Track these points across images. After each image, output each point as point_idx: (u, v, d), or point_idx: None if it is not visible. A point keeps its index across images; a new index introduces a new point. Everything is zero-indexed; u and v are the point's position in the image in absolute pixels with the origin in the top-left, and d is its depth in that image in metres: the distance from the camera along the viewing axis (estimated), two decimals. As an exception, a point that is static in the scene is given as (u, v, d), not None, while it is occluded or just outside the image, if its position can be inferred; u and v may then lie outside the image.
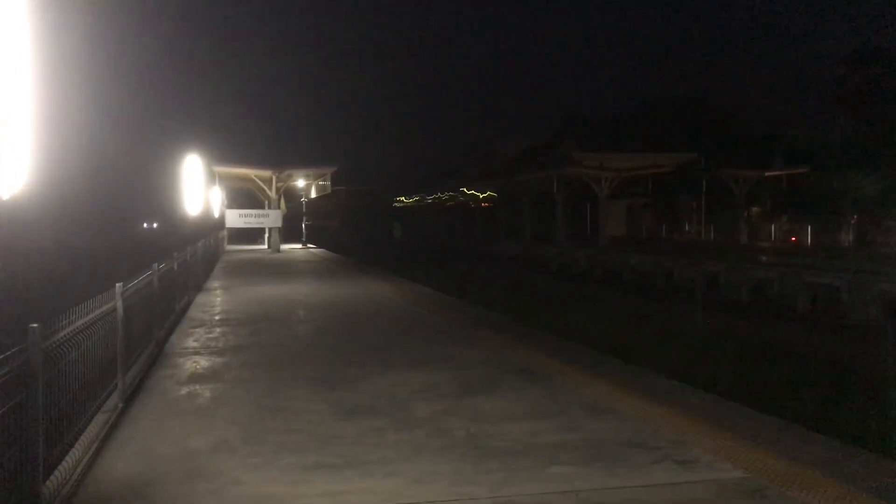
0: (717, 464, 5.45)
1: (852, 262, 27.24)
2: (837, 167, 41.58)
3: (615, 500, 4.83)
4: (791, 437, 6.14)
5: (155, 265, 10.37)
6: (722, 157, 47.60)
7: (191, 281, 17.07)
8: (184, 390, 7.95)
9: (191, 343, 11.00)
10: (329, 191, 48.94)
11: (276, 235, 40.28)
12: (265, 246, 43.02)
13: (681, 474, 5.26)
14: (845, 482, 5.05)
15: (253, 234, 47.92)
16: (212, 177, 38.29)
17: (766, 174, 47.21)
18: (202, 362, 9.52)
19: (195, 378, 8.57)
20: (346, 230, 76.90)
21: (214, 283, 21.04)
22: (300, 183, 44.31)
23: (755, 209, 50.23)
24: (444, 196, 73.16)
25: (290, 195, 47.89)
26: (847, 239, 41.11)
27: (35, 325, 4.52)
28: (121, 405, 7.02)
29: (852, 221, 40.96)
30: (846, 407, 9.61)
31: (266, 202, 41.77)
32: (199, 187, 28.33)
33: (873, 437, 7.79)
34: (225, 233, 42.61)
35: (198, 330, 12.29)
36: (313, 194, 49.06)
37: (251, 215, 40.88)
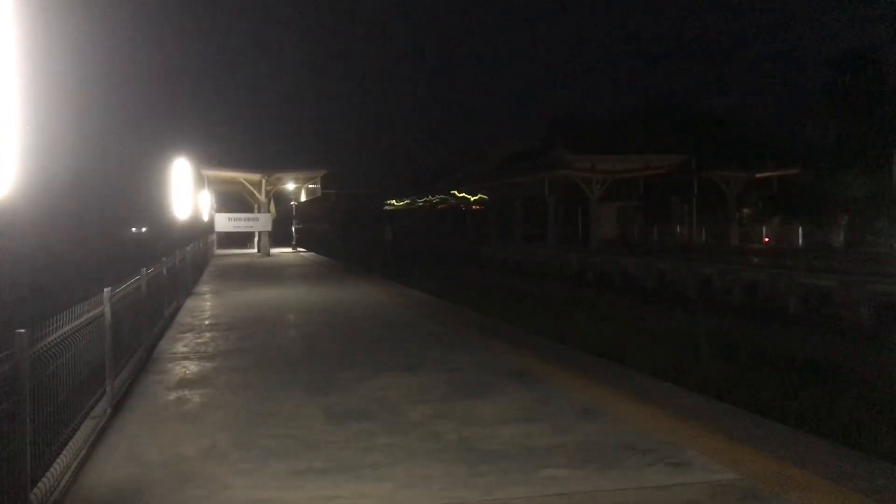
0: (710, 465, 5.43)
1: (843, 262, 27.37)
2: (827, 169, 41.79)
3: (608, 503, 4.80)
4: (784, 439, 6.13)
5: (143, 270, 10.30)
6: (713, 159, 47.80)
7: (180, 285, 16.99)
8: (173, 395, 7.89)
9: (180, 348, 10.93)
10: (319, 194, 48.74)
11: (265, 239, 40.17)
12: (255, 250, 42.91)
13: (674, 476, 5.24)
14: (839, 483, 5.04)
15: (242, 238, 47.79)
16: (201, 180, 38.17)
17: (757, 176, 47.44)
18: (192, 367, 9.45)
19: (185, 383, 8.51)
20: (336, 233, 76.84)
21: (204, 288, 20.95)
22: (290, 186, 44.23)
23: (746, 211, 50.45)
24: (435, 199, 73.15)
25: (279, 198, 47.78)
26: (838, 240, 41.33)
27: (22, 330, 4.47)
28: (109, 411, 6.96)
29: (843, 222, 41.17)
30: (839, 408, 9.63)
31: (255, 206, 41.65)
32: (187, 191, 28.24)
33: (866, 437, 7.80)
34: (214, 237, 42.46)
35: (187, 335, 12.22)
36: (303, 198, 48.93)
37: (241, 219, 40.75)
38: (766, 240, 47.25)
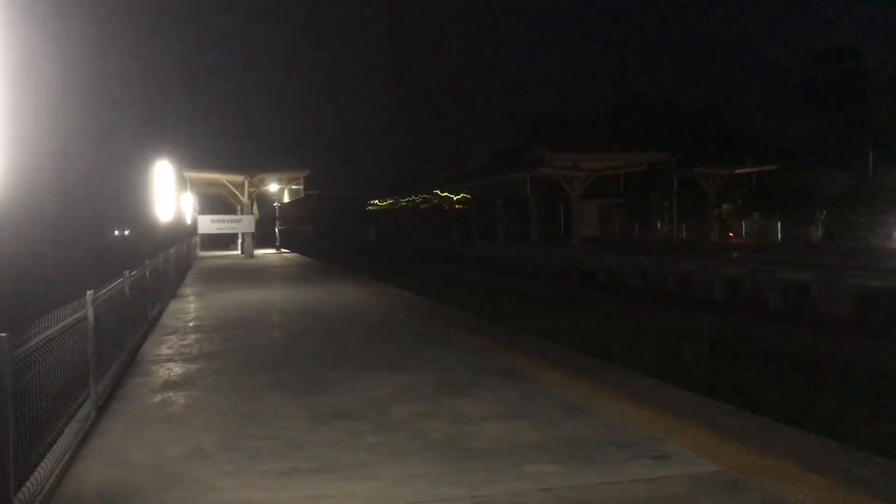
0: (693, 459, 5.49)
1: (822, 257, 27.63)
2: (806, 165, 42.19)
3: (592, 497, 4.84)
4: (768, 432, 6.20)
5: (126, 272, 10.26)
6: (693, 155, 48.11)
7: (163, 288, 16.91)
8: (158, 398, 7.87)
9: (164, 350, 10.89)
10: (302, 195, 48.65)
11: (249, 240, 40.04)
12: (238, 251, 42.76)
13: (657, 469, 5.29)
14: (822, 474, 5.10)
15: (226, 240, 47.61)
16: (183, 182, 38.01)
17: (737, 172, 47.81)
18: (176, 369, 9.42)
19: (169, 385, 8.48)
20: (320, 234, 76.77)
21: (188, 290, 20.86)
22: (273, 187, 44.10)
23: (726, 207, 50.82)
24: (418, 199, 73.15)
25: (262, 200, 47.67)
26: (816, 235, 41.74)
27: (4, 334, 4.45)
28: (93, 414, 6.93)
29: (821, 218, 41.58)
30: (822, 401, 9.74)
31: (238, 207, 41.51)
32: (170, 193, 28.11)
33: (849, 429, 7.89)
34: (197, 239, 42.30)
35: (171, 337, 12.17)
36: (286, 199, 48.78)
37: (224, 220, 40.56)
38: (731, 234, 47.87)
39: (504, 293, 25.05)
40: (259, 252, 42.19)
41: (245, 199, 40.00)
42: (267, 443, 6.11)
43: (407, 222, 79.24)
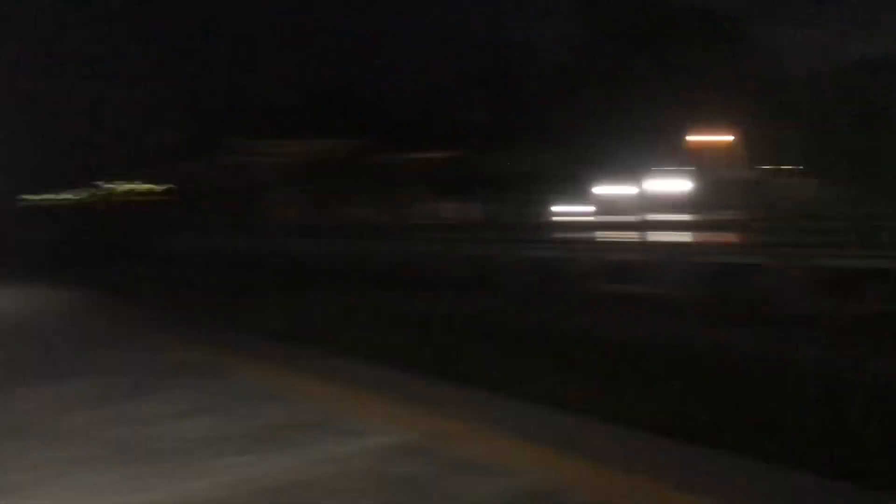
0: (389, 431, 5.69)
1: (503, 233, 30.15)
2: (484, 149, 45.65)
3: (287, 481, 4.81)
4: (461, 399, 6.62)
5: None
6: (383, 141, 49.85)
7: None
8: None
9: None
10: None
11: None
12: None
13: (351, 445, 5.42)
14: (510, 433, 5.54)
15: None
16: None
17: (427, 157, 50.38)
18: None
19: None
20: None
21: None
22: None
23: (419, 190, 53.31)
24: (89, 192, 67.77)
25: None
26: (504, 213, 45.32)
27: None
28: None
29: (505, 197, 45.23)
30: (507, 362, 10.49)
31: None
32: None
33: (547, 393, 8.60)
34: None
35: None
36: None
37: None
38: (420, 217, 50.66)
39: (189, 287, 24.00)
40: None
41: None
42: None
43: (79, 218, 72.73)
